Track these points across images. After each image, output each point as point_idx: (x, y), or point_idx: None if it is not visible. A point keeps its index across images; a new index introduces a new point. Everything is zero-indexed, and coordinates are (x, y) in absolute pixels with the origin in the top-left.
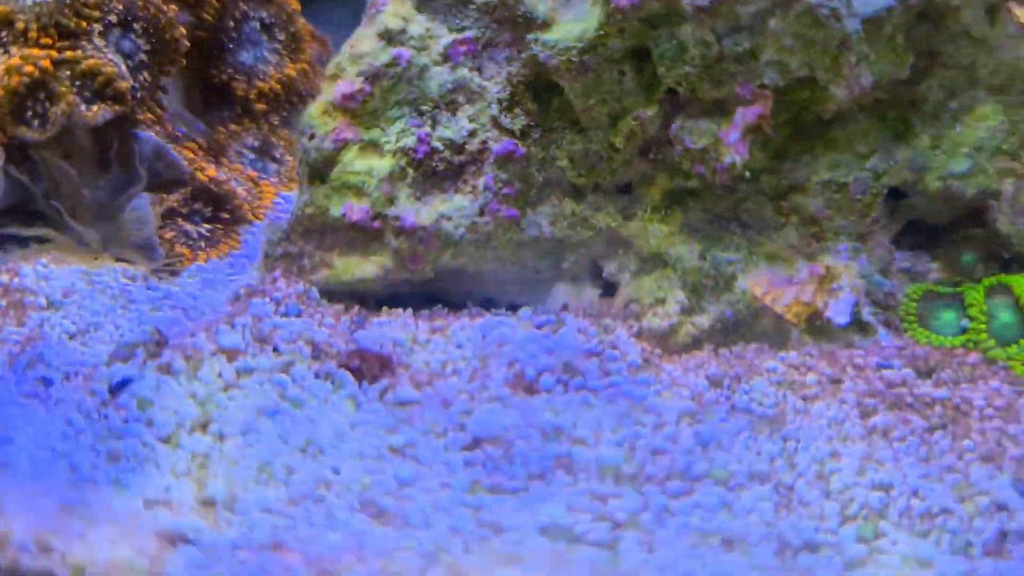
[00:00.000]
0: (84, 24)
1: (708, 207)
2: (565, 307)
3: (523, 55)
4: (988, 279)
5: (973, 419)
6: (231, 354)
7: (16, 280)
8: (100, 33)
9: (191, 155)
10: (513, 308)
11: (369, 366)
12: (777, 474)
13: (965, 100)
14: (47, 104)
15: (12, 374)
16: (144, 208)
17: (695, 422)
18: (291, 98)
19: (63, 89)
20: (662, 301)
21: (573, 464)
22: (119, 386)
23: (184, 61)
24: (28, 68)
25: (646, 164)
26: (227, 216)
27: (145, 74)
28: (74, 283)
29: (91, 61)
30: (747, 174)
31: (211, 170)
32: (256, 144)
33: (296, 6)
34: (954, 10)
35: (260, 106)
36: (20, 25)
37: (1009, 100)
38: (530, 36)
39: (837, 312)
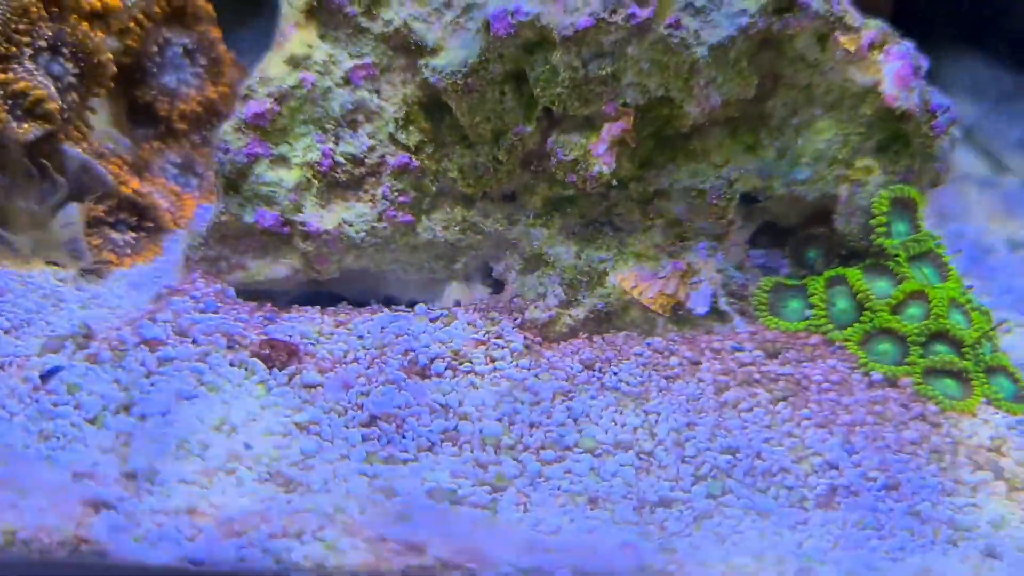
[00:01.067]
0: (15, 49)
1: (583, 212)
2: (458, 303)
3: (416, 79)
4: (828, 271)
5: (812, 392)
6: (153, 345)
7: None
8: (31, 57)
9: (116, 169)
10: (412, 305)
11: (278, 354)
12: (639, 442)
13: (805, 116)
14: None
15: None
16: (72, 216)
17: (568, 399)
18: (212, 119)
19: None
20: (543, 296)
21: (459, 437)
22: (49, 373)
23: (111, 83)
24: None
25: (528, 175)
26: (150, 225)
27: (73, 95)
28: (7, 283)
29: (22, 83)
30: (615, 182)
31: (135, 183)
32: (179, 160)
33: (217, 34)
34: (790, 38)
35: (182, 125)
36: None
37: (841, 116)
38: (421, 62)
39: (697, 303)
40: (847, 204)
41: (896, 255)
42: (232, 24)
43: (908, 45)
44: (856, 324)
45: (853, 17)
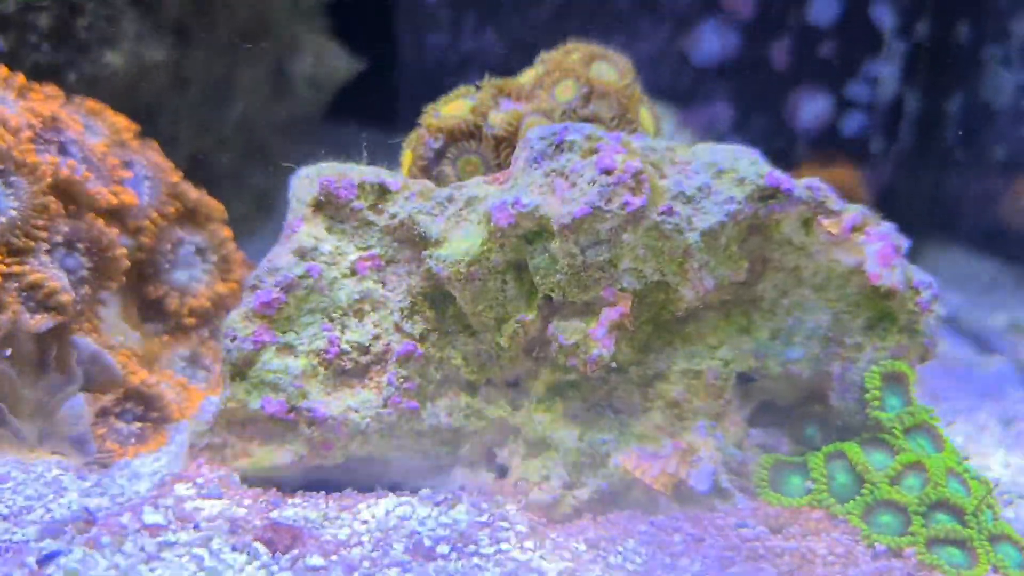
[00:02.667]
0: (32, 243)
1: (585, 396)
2: (463, 488)
3: (420, 269)
4: (827, 447)
5: (817, 565)
6: (154, 531)
7: None
8: (47, 251)
9: (124, 360)
10: (416, 491)
11: (281, 538)
12: None
13: (795, 297)
14: None
15: None
16: (79, 407)
17: None
18: (221, 313)
19: (9, 299)
20: (547, 478)
21: None
22: (47, 559)
23: (123, 278)
24: None
25: (530, 361)
26: (156, 415)
27: (86, 288)
28: (10, 472)
29: (36, 276)
30: (614, 365)
31: (142, 374)
32: (187, 354)
33: (228, 233)
34: (776, 223)
35: (190, 320)
36: None
37: (829, 295)
38: (425, 253)
39: (698, 481)
40: (841, 381)
41: (892, 428)
42: (242, 225)
43: (888, 226)
44: (857, 497)
45: (834, 202)
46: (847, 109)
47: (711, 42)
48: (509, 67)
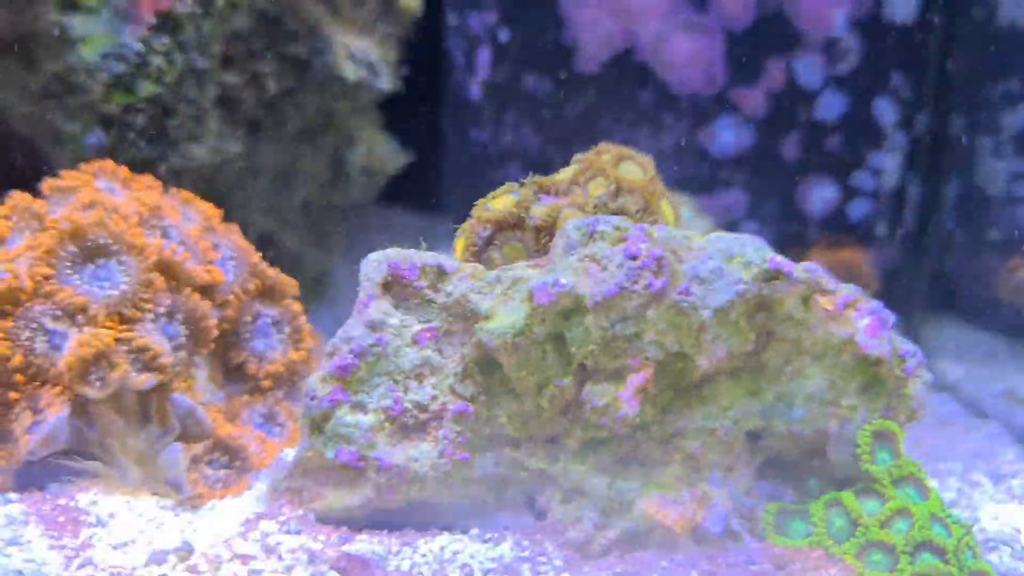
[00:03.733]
0: (139, 313)
1: (614, 451)
2: (507, 528)
3: (472, 340)
4: (826, 496)
5: None
6: (244, 559)
7: (72, 504)
8: (151, 320)
9: (213, 415)
10: (467, 531)
11: (353, 567)
12: None
13: (796, 364)
14: (107, 371)
15: (68, 573)
16: (176, 454)
17: None
18: (293, 378)
19: (120, 360)
20: (580, 520)
21: None
22: None
23: (212, 345)
24: (96, 342)
25: (566, 420)
26: (239, 464)
27: (183, 352)
28: (118, 509)
29: (143, 340)
30: (639, 423)
31: (228, 428)
32: (264, 412)
33: (299, 308)
34: (779, 301)
35: (267, 383)
36: (92, 312)
37: (826, 363)
38: (476, 326)
39: (712, 524)
40: (838, 438)
41: (881, 479)
42: (306, 298)
43: (877, 303)
44: (852, 539)
45: (828, 282)
46: (854, 196)
47: (727, 136)
48: (545, 158)
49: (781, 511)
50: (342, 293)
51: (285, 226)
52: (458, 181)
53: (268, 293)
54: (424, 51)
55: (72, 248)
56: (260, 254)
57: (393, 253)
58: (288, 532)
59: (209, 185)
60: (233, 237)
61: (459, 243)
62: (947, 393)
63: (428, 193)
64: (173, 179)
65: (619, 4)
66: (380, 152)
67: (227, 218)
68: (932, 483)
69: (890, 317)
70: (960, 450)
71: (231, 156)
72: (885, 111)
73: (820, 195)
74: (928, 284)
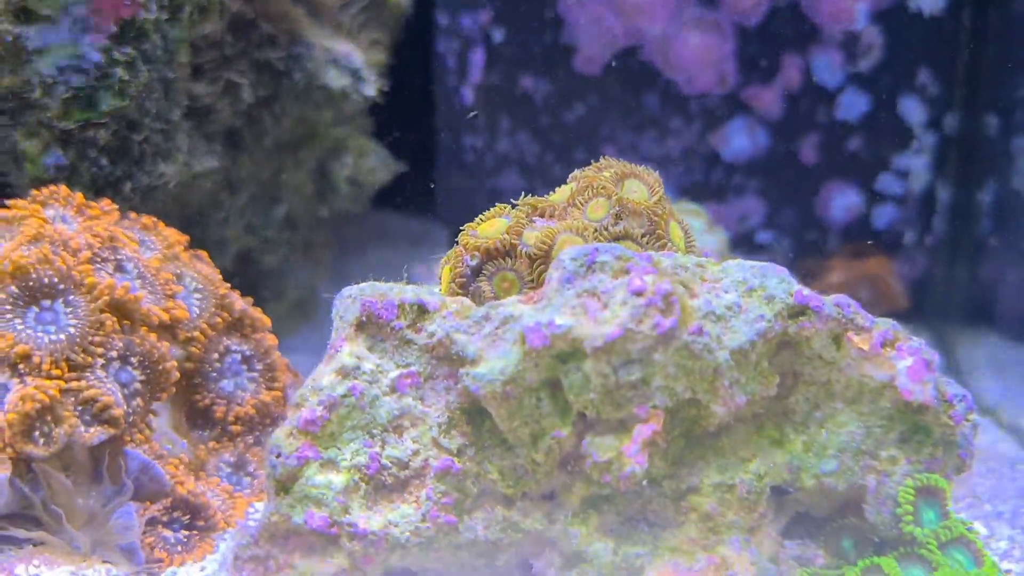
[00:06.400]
0: (90, 359)
1: (619, 509)
2: None
3: (458, 386)
4: (863, 561)
5: None
6: None
7: None
8: (102, 366)
9: (173, 470)
10: None
11: None
12: None
13: (827, 410)
14: (52, 425)
15: None
16: (130, 516)
17: None
18: (265, 420)
19: (67, 413)
20: None
21: None
22: None
23: (173, 389)
24: (40, 396)
25: (565, 475)
26: (202, 524)
27: (138, 400)
28: None
29: (92, 391)
30: (645, 482)
31: (190, 483)
32: (232, 460)
33: (273, 341)
34: (806, 340)
35: (236, 427)
36: (36, 359)
37: (862, 409)
38: (462, 371)
39: None
40: (876, 494)
41: (927, 543)
42: (286, 322)
43: (919, 341)
44: None
45: (864, 318)
46: (879, 202)
47: (740, 140)
48: (543, 166)
49: None
50: (330, 313)
51: (266, 244)
52: (453, 189)
53: (238, 326)
54: (416, 54)
55: (13, 289)
56: (228, 285)
57: (369, 289)
58: None
59: (181, 204)
60: (199, 267)
61: (444, 272)
62: (987, 417)
63: (423, 198)
64: (141, 199)
65: (622, 0)
66: (369, 162)
67: (203, 238)
68: (982, 533)
69: (934, 357)
70: (1008, 488)
71: (205, 172)
72: (912, 110)
73: (842, 201)
74: (961, 296)
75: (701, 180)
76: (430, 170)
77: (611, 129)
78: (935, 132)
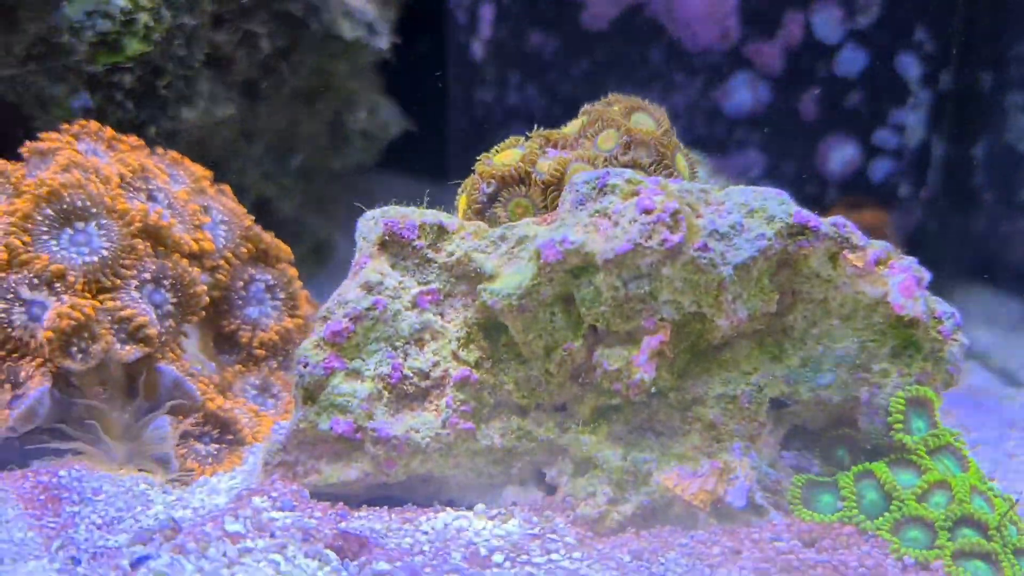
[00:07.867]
0: (119, 281)
1: (628, 419)
2: (515, 504)
3: (475, 302)
4: (856, 467)
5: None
6: (234, 538)
7: (54, 481)
8: (137, 287)
9: (203, 387)
10: (471, 507)
11: (350, 546)
12: None
13: (823, 327)
14: (89, 343)
15: (48, 554)
16: (164, 429)
17: None
18: (287, 347)
19: (103, 331)
20: (593, 495)
21: None
22: (138, 562)
23: (202, 313)
24: (76, 314)
25: (577, 387)
26: (231, 438)
27: (170, 321)
28: (102, 486)
29: (128, 310)
30: (654, 390)
31: (219, 400)
32: (257, 383)
33: (294, 273)
34: (805, 258)
35: (260, 352)
36: (71, 279)
37: (856, 325)
38: (480, 287)
39: (735, 498)
40: (868, 405)
41: (916, 449)
42: (301, 267)
43: (911, 260)
44: (886, 514)
45: (858, 238)
46: (875, 156)
47: (742, 94)
48: (551, 119)
49: (808, 484)
50: (344, 262)
51: (283, 192)
52: (462, 144)
53: (262, 257)
54: (427, 10)
55: (48, 211)
56: (253, 218)
57: (391, 211)
58: (281, 509)
59: (202, 149)
60: (224, 200)
61: (461, 200)
62: (977, 361)
63: (431, 158)
64: (164, 143)
65: None
66: (380, 116)
67: (221, 184)
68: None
69: (925, 275)
70: (993, 420)
71: (224, 118)
72: (908, 66)
73: (840, 155)
74: (955, 248)
75: (704, 134)
76: (440, 128)
77: (617, 83)
78: (931, 88)
